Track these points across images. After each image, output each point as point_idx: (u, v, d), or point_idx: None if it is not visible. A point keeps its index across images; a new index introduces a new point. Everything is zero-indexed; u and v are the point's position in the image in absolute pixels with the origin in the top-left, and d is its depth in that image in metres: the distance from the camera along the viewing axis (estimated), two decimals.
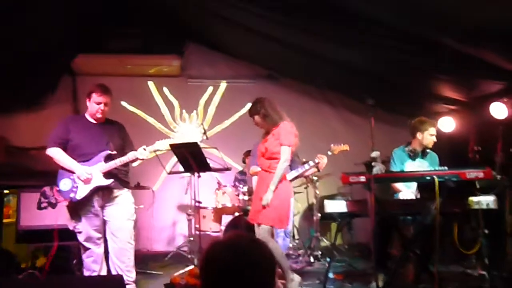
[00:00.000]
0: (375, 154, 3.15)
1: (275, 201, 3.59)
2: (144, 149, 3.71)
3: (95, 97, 3.64)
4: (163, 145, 3.92)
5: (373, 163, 3.14)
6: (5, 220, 4.95)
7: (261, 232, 3.62)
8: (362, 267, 4.87)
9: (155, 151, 3.89)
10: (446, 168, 3.56)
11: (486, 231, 3.60)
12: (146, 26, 6.10)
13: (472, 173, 3.19)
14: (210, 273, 1.33)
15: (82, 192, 3.55)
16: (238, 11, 4.68)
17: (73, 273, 4.24)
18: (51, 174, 3.74)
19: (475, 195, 3.31)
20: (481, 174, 3.18)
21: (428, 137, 4.18)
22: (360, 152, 4.75)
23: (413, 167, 4.17)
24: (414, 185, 4.11)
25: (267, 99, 3.84)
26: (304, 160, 5.09)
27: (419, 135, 4.20)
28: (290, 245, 5.31)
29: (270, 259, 1.36)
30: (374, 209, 3.07)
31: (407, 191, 4.05)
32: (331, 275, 4.22)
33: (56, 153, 3.61)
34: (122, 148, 3.76)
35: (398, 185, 4.17)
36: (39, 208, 3.73)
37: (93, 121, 3.73)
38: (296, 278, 3.66)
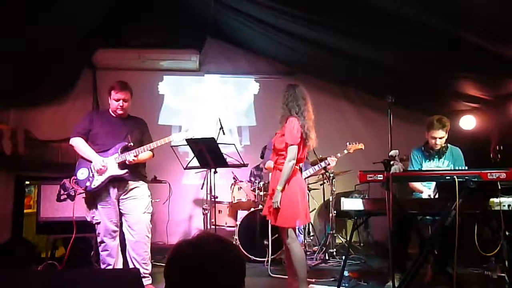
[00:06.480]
0: (393, 152, 3.09)
1: (285, 201, 3.38)
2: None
3: (113, 94, 3.76)
4: (179, 137, 3.95)
5: (391, 162, 3.09)
6: (26, 211, 5.07)
7: (282, 233, 3.51)
8: (377, 266, 4.83)
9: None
10: (466, 167, 3.48)
11: (507, 233, 3.51)
12: (166, 22, 6.12)
13: (493, 174, 3.11)
14: (176, 273, 1.26)
15: (97, 181, 3.64)
16: (259, 7, 4.65)
17: (91, 265, 4.31)
18: (71, 166, 3.85)
19: (497, 196, 3.23)
20: (503, 175, 3.10)
21: (430, 139, 4.00)
22: (378, 149, 4.71)
23: (430, 168, 4.01)
24: (433, 185, 4.00)
25: (295, 87, 3.52)
26: (320, 156, 5.07)
27: (426, 135, 4.06)
28: (304, 242, 5.29)
29: (239, 261, 1.31)
30: (392, 209, 3.02)
31: (427, 191, 3.95)
32: (346, 273, 4.19)
33: (78, 143, 3.75)
34: (140, 143, 3.83)
35: (418, 185, 4.06)
36: (59, 200, 3.80)
37: (115, 116, 3.85)
38: None
